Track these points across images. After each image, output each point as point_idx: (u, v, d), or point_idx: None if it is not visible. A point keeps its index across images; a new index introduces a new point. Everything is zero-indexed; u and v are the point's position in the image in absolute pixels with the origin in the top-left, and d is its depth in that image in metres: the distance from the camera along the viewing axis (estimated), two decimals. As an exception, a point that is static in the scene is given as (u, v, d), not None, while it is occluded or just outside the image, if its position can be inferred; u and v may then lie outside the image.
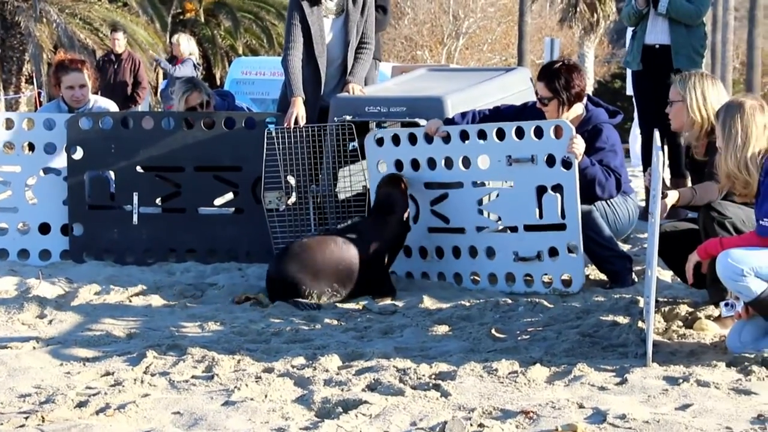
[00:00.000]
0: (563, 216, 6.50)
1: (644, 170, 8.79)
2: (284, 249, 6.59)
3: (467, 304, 6.11)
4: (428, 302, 6.21)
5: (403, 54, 42.85)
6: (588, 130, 6.69)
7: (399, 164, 6.95)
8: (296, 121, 7.33)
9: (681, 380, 4.55)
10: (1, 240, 7.55)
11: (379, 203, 6.75)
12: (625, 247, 7.25)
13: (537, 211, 6.59)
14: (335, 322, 5.83)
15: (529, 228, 6.64)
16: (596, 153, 6.65)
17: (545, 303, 6.08)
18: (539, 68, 7.14)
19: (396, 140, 6.98)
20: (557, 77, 6.73)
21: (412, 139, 6.92)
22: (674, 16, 8.59)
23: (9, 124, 7.65)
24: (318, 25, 7.55)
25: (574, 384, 4.56)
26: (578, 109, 6.80)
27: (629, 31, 9.16)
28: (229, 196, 7.75)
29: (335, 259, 6.44)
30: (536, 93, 6.91)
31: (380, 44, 8.71)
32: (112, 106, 8.27)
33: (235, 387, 4.47)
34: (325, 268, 6.40)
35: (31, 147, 7.63)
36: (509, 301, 6.15)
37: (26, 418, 3.99)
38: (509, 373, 4.71)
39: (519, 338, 5.36)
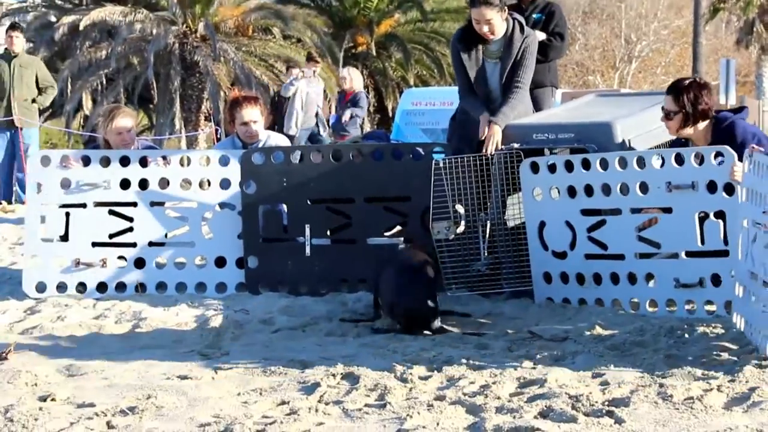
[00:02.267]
0: (726, 242, 6.38)
1: None
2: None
3: (640, 329, 6.02)
4: (600, 328, 6.14)
5: (575, 80, 42.56)
6: (721, 129, 6.57)
7: (556, 192, 6.95)
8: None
9: None
10: (179, 274, 7.76)
11: None
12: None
13: (699, 237, 6.48)
14: (506, 350, 5.81)
15: (690, 254, 6.53)
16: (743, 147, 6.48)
17: (721, 329, 5.95)
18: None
19: (552, 168, 6.96)
20: (686, 92, 6.67)
21: (569, 166, 6.88)
22: None
23: (186, 161, 7.89)
24: (476, 68, 7.57)
25: (754, 410, 4.44)
26: (700, 127, 6.71)
27: None
28: (398, 228, 7.81)
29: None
30: (662, 108, 6.83)
31: (556, 71, 8.66)
32: (284, 141, 8.45)
33: (408, 415, 4.49)
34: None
35: (207, 182, 7.85)
36: (684, 326, 6.03)
37: (205, 446, 4.09)
38: (685, 399, 4.62)
39: (694, 364, 5.25)
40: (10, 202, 14.32)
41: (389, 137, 8.62)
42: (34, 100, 14.86)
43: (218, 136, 25.92)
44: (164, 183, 7.81)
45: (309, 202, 7.81)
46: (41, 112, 15.52)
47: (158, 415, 4.56)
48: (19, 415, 4.44)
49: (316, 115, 16.61)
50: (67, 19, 34.03)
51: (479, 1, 7.45)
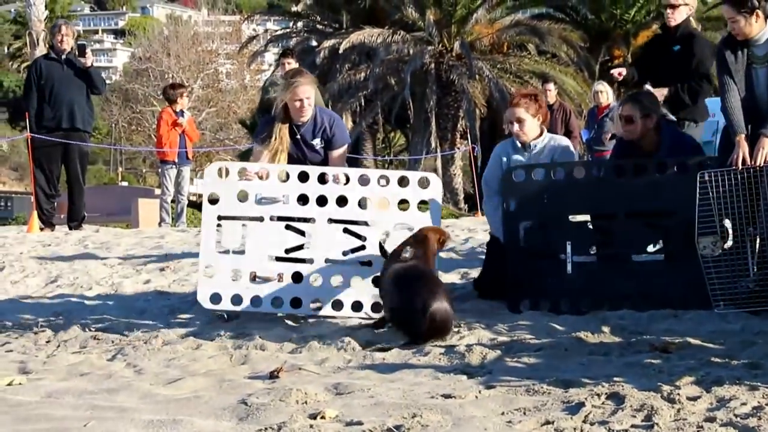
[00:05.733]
0: None
1: None
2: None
3: None
4: None
5: None
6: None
7: None
8: (744, 162, 7.14)
9: None
10: (352, 293, 7.71)
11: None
12: None
13: None
14: (779, 370, 5.60)
15: None
16: None
17: None
18: None
19: None
20: None
21: None
22: None
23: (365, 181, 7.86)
24: (742, 72, 7.35)
25: None
26: None
27: None
28: (660, 243, 7.66)
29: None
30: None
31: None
32: (566, 142, 8.26)
33: (676, 437, 4.39)
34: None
35: (387, 202, 7.79)
36: None
37: (471, 465, 4.10)
38: None
39: None
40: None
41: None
42: None
43: (475, 154, 26.05)
44: (342, 201, 7.77)
45: (570, 219, 7.76)
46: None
47: (424, 434, 4.60)
48: (291, 433, 4.57)
49: None
50: (328, 43, 34.98)
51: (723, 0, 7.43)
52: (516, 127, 8.08)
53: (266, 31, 49.62)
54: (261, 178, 7.76)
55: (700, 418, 4.67)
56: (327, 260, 7.74)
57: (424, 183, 7.80)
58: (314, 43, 37.14)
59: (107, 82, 15.45)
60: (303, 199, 7.77)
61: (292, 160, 8.10)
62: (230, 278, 7.74)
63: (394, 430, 4.62)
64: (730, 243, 7.20)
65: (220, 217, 7.74)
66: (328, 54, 34.68)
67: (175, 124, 16.92)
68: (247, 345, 6.73)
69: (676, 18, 8.86)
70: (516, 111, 8.07)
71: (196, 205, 32.04)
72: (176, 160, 16.92)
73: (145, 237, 13.75)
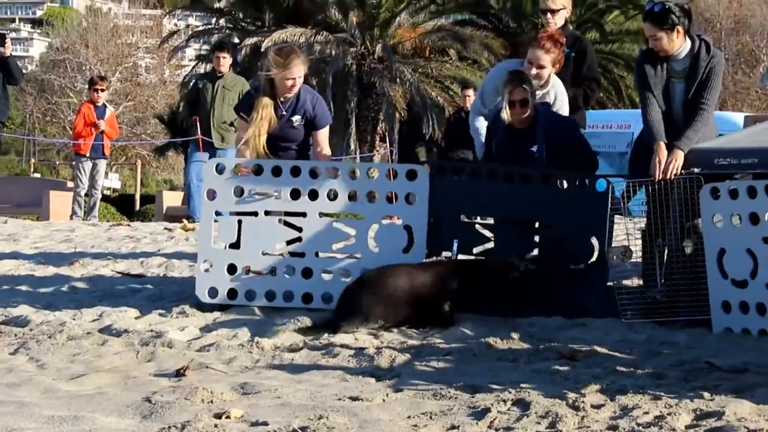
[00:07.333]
0: None
1: None
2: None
3: (825, 363, 5.79)
4: (782, 361, 5.93)
5: (758, 103, 41.47)
6: None
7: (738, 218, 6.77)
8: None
9: None
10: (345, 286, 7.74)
11: None
12: None
13: None
14: (682, 380, 5.67)
15: None
16: None
17: None
18: None
19: (734, 193, 6.77)
20: None
21: (752, 192, 6.68)
22: None
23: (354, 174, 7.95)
24: (661, 86, 7.45)
25: None
26: None
27: None
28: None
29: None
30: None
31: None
32: None
33: (579, 444, 4.42)
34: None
35: (375, 195, 7.90)
36: None
37: (374, 469, 4.09)
38: None
39: None
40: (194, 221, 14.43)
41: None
42: (232, 123, 14.49)
43: (393, 157, 26.10)
44: (333, 194, 7.87)
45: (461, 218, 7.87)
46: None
47: (329, 436, 4.59)
48: (195, 432, 4.53)
49: None
50: (250, 41, 34.84)
51: (644, 17, 7.54)
52: (534, 71, 8.06)
53: (188, 26, 49.30)
54: (255, 173, 7.89)
55: (603, 426, 4.72)
56: (317, 254, 7.88)
57: (411, 175, 7.84)
58: (236, 40, 36.94)
59: (23, 71, 15.14)
60: (295, 194, 7.83)
61: (268, 135, 8.16)
62: (226, 273, 7.84)
63: (300, 431, 4.60)
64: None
65: (216, 213, 7.92)
66: (249, 52, 34.53)
67: (93, 125, 16.65)
68: (154, 342, 6.66)
69: (557, 22, 8.96)
70: (542, 57, 8.07)
71: (109, 200, 31.69)
72: (89, 154, 16.67)
73: (54, 230, 13.56)
